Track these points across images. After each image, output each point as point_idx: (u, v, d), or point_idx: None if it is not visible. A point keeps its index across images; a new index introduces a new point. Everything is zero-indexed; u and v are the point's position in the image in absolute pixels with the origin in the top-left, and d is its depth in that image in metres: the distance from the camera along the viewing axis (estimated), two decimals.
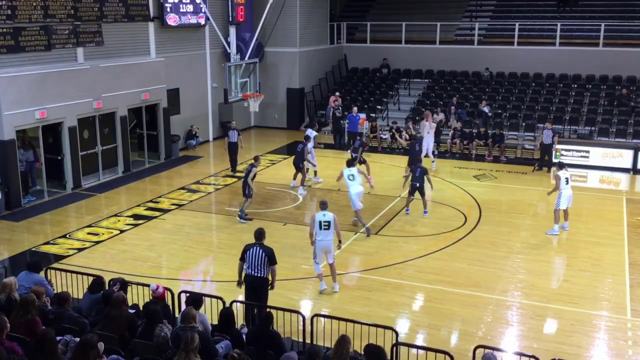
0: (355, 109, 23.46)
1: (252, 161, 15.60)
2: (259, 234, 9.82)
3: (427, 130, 20.42)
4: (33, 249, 13.69)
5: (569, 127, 23.15)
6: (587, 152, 20.64)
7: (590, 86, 25.28)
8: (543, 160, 20.20)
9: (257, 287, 9.67)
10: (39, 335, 6.50)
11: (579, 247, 13.76)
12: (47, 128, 17.24)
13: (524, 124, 23.68)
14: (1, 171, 16.01)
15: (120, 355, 6.81)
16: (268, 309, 8.47)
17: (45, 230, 14.99)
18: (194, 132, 23.31)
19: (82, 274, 10.11)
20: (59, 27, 17.55)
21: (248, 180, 14.94)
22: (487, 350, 7.41)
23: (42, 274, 9.69)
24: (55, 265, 11.82)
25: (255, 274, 9.61)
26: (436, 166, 20.36)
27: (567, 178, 14.38)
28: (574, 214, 15.95)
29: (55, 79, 17.10)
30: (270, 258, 9.60)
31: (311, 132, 18.98)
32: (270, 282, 9.74)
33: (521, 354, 8.22)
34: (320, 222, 11.23)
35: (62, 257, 13.07)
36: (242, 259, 9.74)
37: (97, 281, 8.85)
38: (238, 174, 18.94)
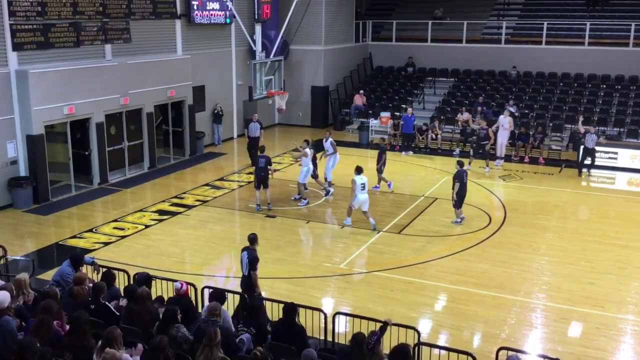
0: (410, 110, 22.60)
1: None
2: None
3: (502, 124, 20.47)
4: (60, 243, 13.92)
5: (597, 127, 22.71)
6: (616, 153, 20.31)
7: (619, 87, 24.86)
8: (583, 164, 19.76)
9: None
10: (73, 318, 6.67)
11: (606, 250, 13.55)
12: (75, 123, 17.48)
13: (551, 124, 23.37)
14: (30, 165, 16.31)
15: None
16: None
17: (72, 224, 15.22)
18: (216, 111, 23.38)
19: (108, 267, 10.21)
20: (88, 24, 17.80)
21: None
22: (510, 352, 7.34)
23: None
24: None
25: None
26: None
27: (362, 184, 14.42)
28: (602, 216, 15.78)
29: (84, 75, 17.32)
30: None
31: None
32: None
33: (545, 357, 8.14)
34: None
35: (88, 250, 13.23)
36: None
37: (106, 274, 8.88)
38: None
